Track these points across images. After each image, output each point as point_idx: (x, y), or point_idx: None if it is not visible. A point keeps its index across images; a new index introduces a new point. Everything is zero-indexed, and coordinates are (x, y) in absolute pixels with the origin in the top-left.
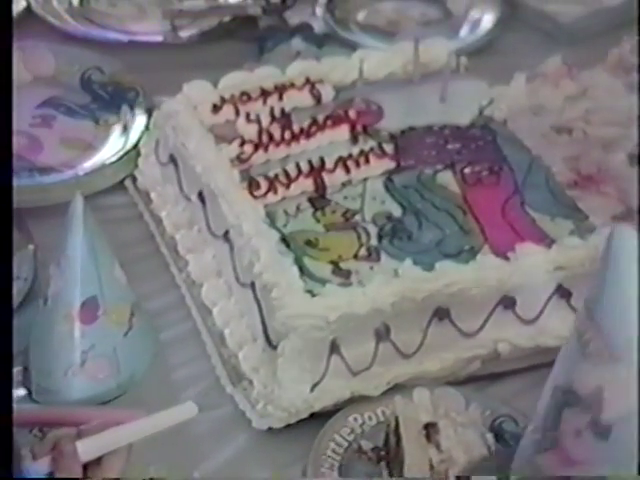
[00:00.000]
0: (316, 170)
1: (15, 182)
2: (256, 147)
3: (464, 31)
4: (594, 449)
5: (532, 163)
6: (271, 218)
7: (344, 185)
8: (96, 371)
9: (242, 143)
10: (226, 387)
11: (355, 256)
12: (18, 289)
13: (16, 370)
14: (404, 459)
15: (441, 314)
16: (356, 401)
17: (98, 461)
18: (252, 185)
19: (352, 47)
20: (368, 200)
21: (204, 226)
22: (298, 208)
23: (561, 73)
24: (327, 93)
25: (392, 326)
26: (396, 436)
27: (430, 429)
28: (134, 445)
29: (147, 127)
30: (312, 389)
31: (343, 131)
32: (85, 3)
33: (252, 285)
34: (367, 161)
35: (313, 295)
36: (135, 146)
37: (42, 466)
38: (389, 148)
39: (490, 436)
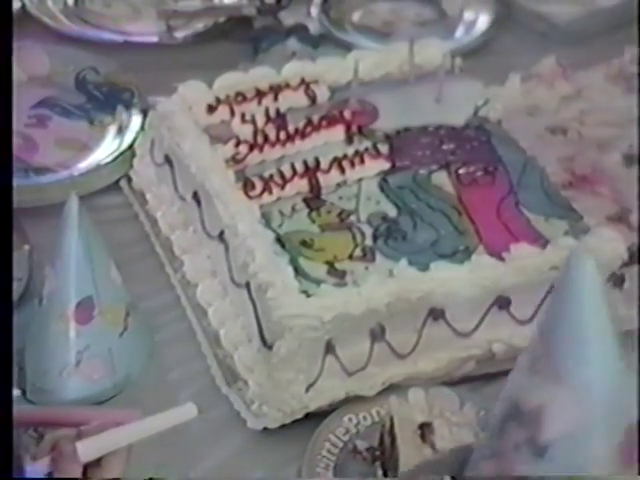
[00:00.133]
0: (311, 170)
1: None
2: (251, 147)
3: (459, 32)
4: (530, 465)
5: (527, 163)
6: (266, 218)
7: (339, 185)
8: (91, 371)
9: (237, 143)
10: (221, 387)
11: (350, 256)
12: (13, 289)
13: None
14: (399, 459)
15: (436, 314)
16: (351, 401)
17: (98, 462)
18: (247, 185)
19: (347, 48)
20: (363, 200)
21: (199, 226)
22: (293, 208)
23: (556, 74)
24: (322, 93)
25: (387, 326)
26: (391, 436)
27: (425, 429)
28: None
29: (142, 127)
30: (307, 389)
31: (338, 131)
32: (80, 3)
33: (247, 285)
34: (362, 161)
35: (308, 295)
36: (130, 146)
37: (41, 467)
38: (384, 148)
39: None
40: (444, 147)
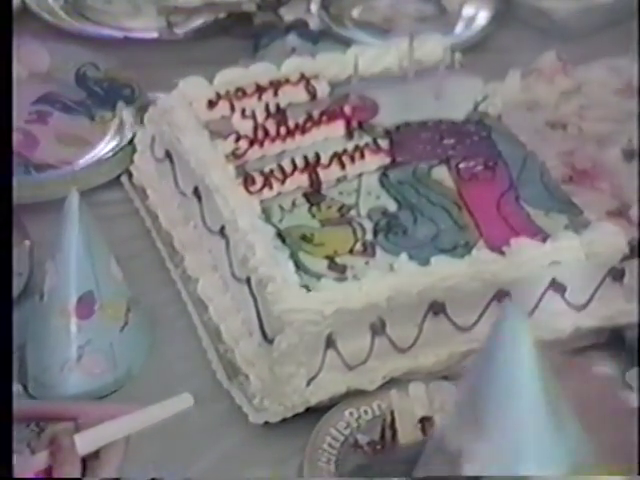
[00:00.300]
0: (311, 166)
1: None
2: (251, 143)
3: (459, 27)
4: None
5: (527, 158)
6: (266, 213)
7: (339, 180)
8: (92, 366)
9: (237, 139)
10: (222, 382)
11: (350, 251)
12: (14, 285)
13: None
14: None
15: (436, 308)
16: (352, 395)
17: (96, 454)
18: (247, 181)
19: (347, 43)
20: (363, 195)
21: (200, 222)
22: (293, 203)
23: (556, 69)
24: (322, 89)
25: (387, 320)
26: (392, 430)
27: (426, 423)
28: (130, 442)
29: (142, 123)
30: (308, 383)
31: (338, 127)
32: (80, 0)
33: (248, 280)
34: (362, 156)
35: (309, 290)
36: (130, 142)
37: (40, 460)
38: (384, 143)
39: None
40: (444, 142)
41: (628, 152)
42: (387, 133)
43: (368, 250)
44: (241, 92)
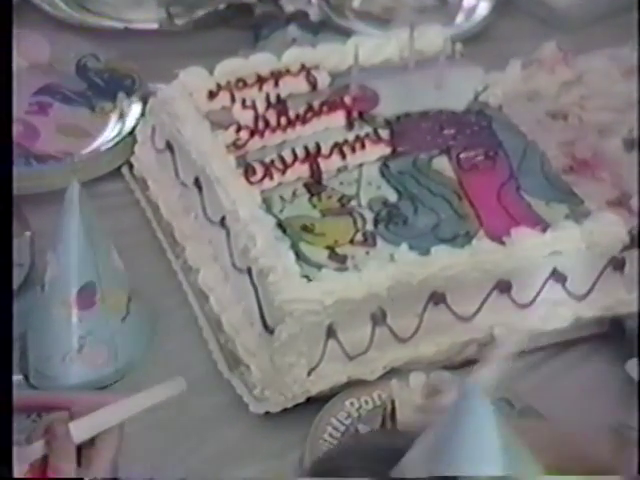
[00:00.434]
0: (312, 156)
1: None
2: (252, 133)
3: (460, 18)
4: None
5: (527, 148)
6: (267, 204)
7: (340, 171)
8: (94, 357)
9: (238, 129)
10: (223, 372)
11: (351, 241)
12: (15, 275)
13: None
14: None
15: (437, 298)
16: (353, 385)
17: (91, 442)
18: (248, 171)
19: (347, 34)
20: (364, 185)
21: (200, 212)
22: (294, 194)
23: (556, 59)
24: (323, 79)
25: (388, 310)
26: (392, 420)
27: None
28: (131, 432)
29: (143, 114)
30: (309, 373)
31: (339, 117)
32: None
33: (249, 270)
34: (363, 147)
35: (309, 280)
36: (131, 133)
37: (36, 449)
38: (385, 134)
39: None
40: (445, 132)
41: (629, 142)
42: (388, 123)
43: (369, 240)
44: (242, 83)
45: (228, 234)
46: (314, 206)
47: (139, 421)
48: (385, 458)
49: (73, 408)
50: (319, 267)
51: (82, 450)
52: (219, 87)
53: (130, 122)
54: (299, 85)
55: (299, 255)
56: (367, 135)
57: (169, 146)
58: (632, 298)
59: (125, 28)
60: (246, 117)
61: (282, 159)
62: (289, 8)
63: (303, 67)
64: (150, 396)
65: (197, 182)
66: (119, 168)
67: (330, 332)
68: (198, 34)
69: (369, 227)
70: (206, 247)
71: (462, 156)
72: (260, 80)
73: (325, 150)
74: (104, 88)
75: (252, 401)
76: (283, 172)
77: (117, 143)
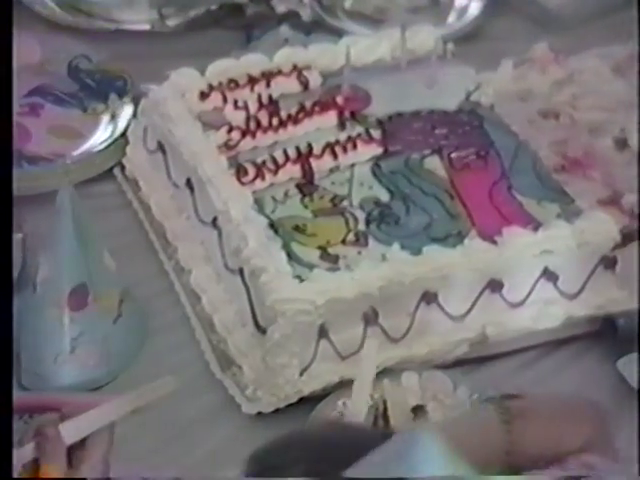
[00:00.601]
0: (304, 156)
1: None
2: (244, 134)
3: (451, 17)
4: None
5: (519, 148)
6: (259, 204)
7: (332, 171)
8: (86, 358)
9: (230, 130)
10: (215, 372)
11: (343, 241)
12: None
13: None
14: None
15: (429, 298)
16: (345, 385)
17: (82, 443)
18: (240, 172)
19: (339, 34)
20: (356, 185)
21: (192, 213)
22: (286, 194)
23: (548, 59)
24: (314, 79)
25: (380, 310)
26: (384, 419)
27: (418, 412)
28: (123, 433)
29: (135, 115)
30: (301, 373)
31: (330, 117)
32: None
33: (241, 271)
34: (355, 147)
35: (301, 280)
36: (123, 134)
37: (26, 452)
38: (376, 134)
39: None
40: (436, 132)
41: (620, 141)
42: (379, 123)
43: (360, 240)
44: (233, 83)
45: (220, 235)
46: (306, 206)
47: (131, 421)
48: (331, 454)
49: (64, 409)
50: (311, 267)
51: (73, 451)
52: (211, 88)
53: (122, 123)
54: (291, 85)
55: (291, 255)
56: (359, 135)
57: (161, 147)
58: (624, 296)
59: (117, 29)
60: (238, 118)
61: (274, 159)
62: (281, 8)
63: (295, 67)
64: (139, 396)
65: (189, 183)
66: (111, 169)
67: (322, 332)
68: (190, 35)
69: (361, 227)
70: (198, 248)
71: (454, 156)
72: (252, 80)
73: (317, 150)
74: (96, 89)
75: (244, 401)
76: (275, 172)
77: (109, 144)
